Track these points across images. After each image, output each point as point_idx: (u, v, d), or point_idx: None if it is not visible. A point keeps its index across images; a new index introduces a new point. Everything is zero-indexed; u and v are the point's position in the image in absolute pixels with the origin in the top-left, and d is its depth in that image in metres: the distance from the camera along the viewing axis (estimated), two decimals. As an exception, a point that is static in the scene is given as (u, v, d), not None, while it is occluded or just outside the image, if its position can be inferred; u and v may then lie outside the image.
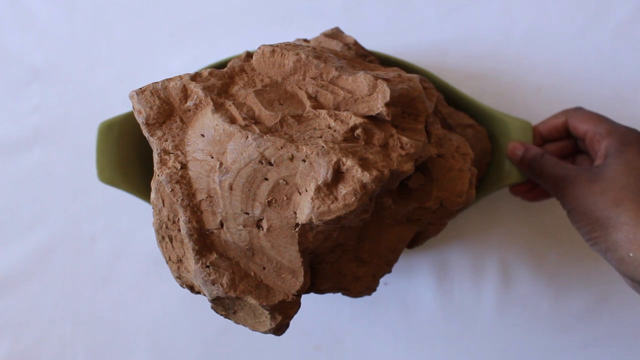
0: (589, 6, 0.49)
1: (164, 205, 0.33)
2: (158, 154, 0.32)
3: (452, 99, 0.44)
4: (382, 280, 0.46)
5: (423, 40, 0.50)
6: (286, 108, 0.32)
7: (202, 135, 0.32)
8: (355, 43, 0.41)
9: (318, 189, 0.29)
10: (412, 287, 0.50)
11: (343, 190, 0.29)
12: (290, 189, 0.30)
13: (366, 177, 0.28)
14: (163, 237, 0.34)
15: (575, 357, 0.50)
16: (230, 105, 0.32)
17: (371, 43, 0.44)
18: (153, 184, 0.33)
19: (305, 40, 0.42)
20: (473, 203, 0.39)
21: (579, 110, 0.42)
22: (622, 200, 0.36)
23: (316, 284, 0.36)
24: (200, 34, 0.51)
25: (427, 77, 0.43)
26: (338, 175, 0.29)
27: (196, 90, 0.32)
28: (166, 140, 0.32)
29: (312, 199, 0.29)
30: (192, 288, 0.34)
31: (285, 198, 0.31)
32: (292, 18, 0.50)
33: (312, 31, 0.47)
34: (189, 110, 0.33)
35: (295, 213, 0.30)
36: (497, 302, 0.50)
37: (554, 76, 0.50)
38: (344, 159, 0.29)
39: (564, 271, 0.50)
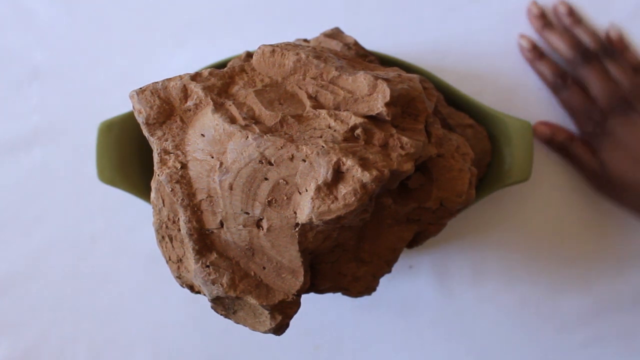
0: (589, 6, 0.49)
1: (164, 205, 0.33)
2: (158, 154, 0.32)
3: (452, 99, 0.44)
4: (383, 279, 0.46)
5: (423, 40, 0.50)
6: (286, 108, 0.32)
7: (202, 135, 0.32)
8: (355, 43, 0.41)
9: (318, 189, 0.29)
10: (412, 287, 0.50)
11: (343, 190, 0.29)
12: (291, 188, 0.30)
13: (366, 177, 0.28)
14: (163, 237, 0.34)
15: (575, 357, 0.50)
16: (230, 105, 0.32)
17: (371, 43, 0.44)
18: (153, 184, 0.33)
19: (305, 40, 0.42)
20: (473, 203, 0.39)
21: None
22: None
23: (316, 284, 0.36)
24: (200, 34, 0.51)
25: (427, 77, 0.43)
26: (338, 175, 0.29)
27: (196, 90, 0.32)
28: (166, 140, 0.32)
29: (312, 198, 0.29)
30: (192, 288, 0.34)
31: (285, 198, 0.31)
32: (292, 18, 0.50)
33: (312, 31, 0.47)
34: (189, 110, 0.33)
35: (295, 213, 0.30)
36: (496, 302, 0.50)
37: (554, 76, 0.50)
38: (344, 159, 0.29)
39: (564, 271, 0.50)
